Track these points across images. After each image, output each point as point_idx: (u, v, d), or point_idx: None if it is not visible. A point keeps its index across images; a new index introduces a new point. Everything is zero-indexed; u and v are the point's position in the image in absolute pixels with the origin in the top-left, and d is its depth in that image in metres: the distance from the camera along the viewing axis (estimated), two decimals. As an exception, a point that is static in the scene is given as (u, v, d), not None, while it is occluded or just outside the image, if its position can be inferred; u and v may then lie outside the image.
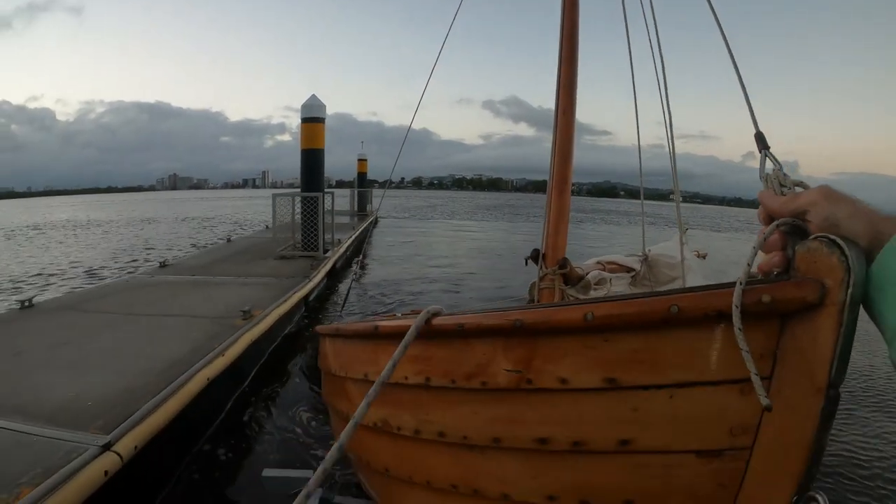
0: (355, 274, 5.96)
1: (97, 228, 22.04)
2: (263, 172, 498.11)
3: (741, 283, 0.84)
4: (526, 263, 2.88)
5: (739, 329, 0.83)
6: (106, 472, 2.18)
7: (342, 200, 18.32)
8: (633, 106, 3.97)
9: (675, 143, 3.01)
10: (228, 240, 11.28)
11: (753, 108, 1.40)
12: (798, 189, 0.89)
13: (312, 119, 8.96)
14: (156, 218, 28.36)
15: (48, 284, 9.38)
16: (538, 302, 2.75)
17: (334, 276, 8.97)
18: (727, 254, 14.27)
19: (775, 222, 0.85)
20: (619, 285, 3.89)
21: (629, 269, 4.21)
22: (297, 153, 9.10)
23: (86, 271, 10.79)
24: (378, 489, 1.80)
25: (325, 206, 8.63)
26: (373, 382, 1.41)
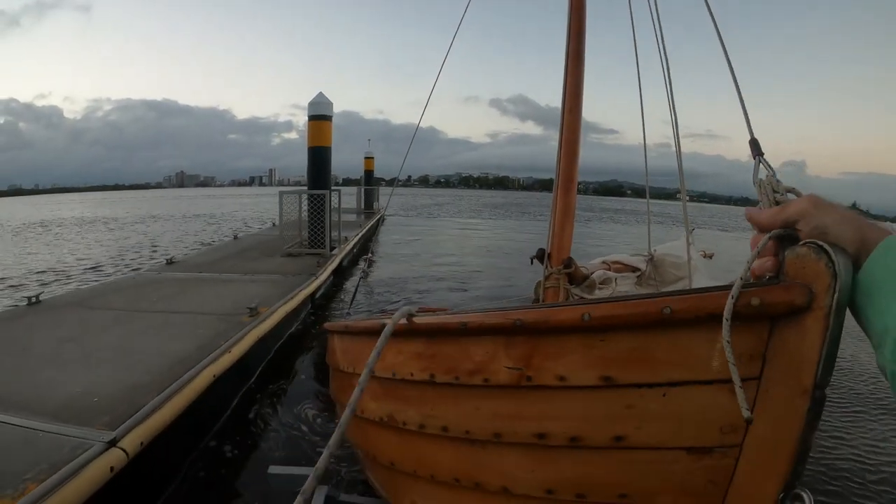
0: (363, 272, 5.99)
1: (104, 226, 22.12)
2: (270, 170, 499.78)
3: (732, 297, 0.86)
4: (531, 263, 2.89)
5: (727, 342, 0.85)
6: (111, 469, 2.18)
7: (349, 198, 18.34)
8: (640, 104, 3.95)
9: (682, 141, 2.99)
10: (235, 237, 11.31)
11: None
12: (790, 195, 0.92)
13: (319, 117, 8.96)
14: (163, 215, 28.43)
15: (55, 281, 9.41)
16: (543, 301, 2.77)
17: (341, 273, 8.98)
18: (734, 254, 14.21)
19: (767, 235, 0.87)
20: (625, 285, 3.87)
21: (634, 269, 4.19)
22: (304, 151, 9.11)
23: (93, 268, 10.83)
24: (384, 482, 1.83)
25: (332, 203, 8.64)
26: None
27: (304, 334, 5.81)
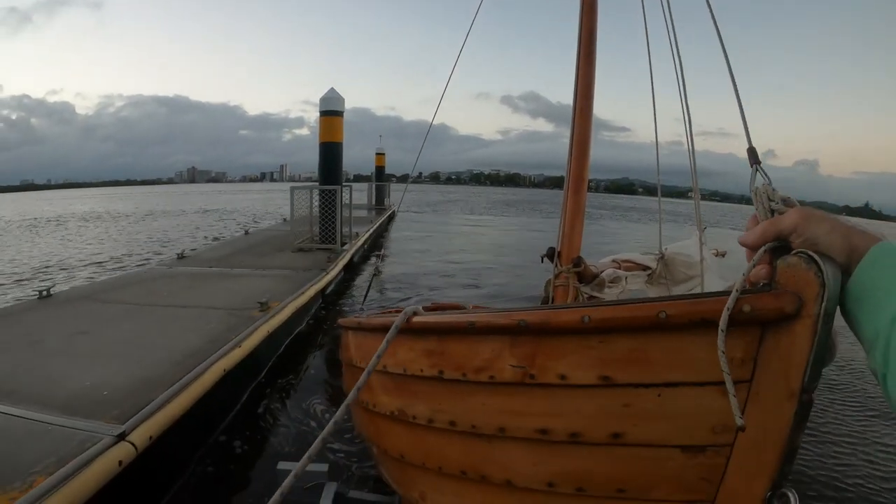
0: (376, 269, 6.02)
1: (115, 220, 22.28)
2: (281, 166, 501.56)
3: (728, 308, 0.89)
4: (542, 261, 2.91)
5: (722, 352, 0.88)
6: (120, 462, 2.17)
7: (360, 194, 18.34)
8: (652, 102, 3.91)
9: (694, 140, 2.96)
10: (246, 232, 11.35)
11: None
12: (785, 205, 0.95)
13: (331, 112, 8.95)
14: (174, 210, 28.60)
15: (66, 275, 9.48)
16: (553, 298, 2.81)
17: (352, 269, 8.97)
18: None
19: (762, 248, 0.90)
20: (635, 283, 3.85)
21: (645, 268, 4.14)
22: (316, 147, 9.11)
23: (104, 262, 10.90)
24: (394, 474, 1.88)
25: (343, 199, 8.63)
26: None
27: (315, 330, 5.79)
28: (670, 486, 1.06)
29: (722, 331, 0.88)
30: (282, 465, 2.64)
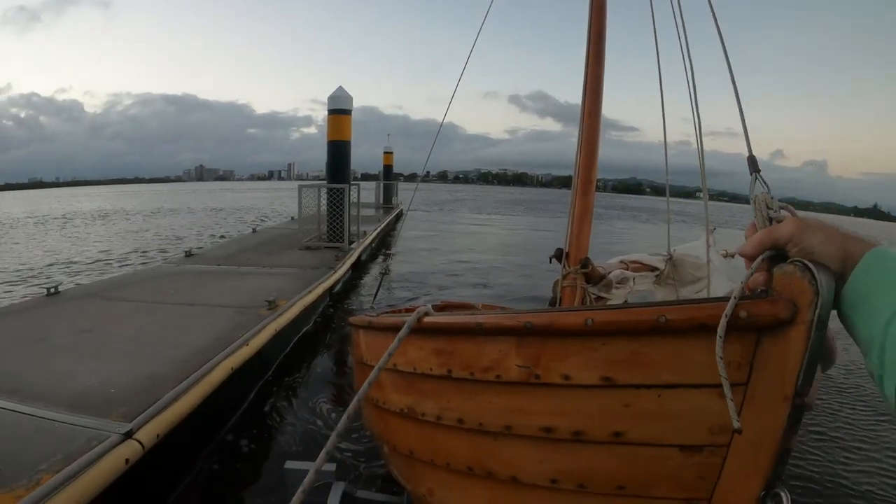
0: (385, 268, 6.06)
1: (123, 218, 22.39)
2: (289, 164, 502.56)
3: (726, 315, 0.93)
4: (550, 262, 2.91)
5: (720, 358, 0.91)
6: (127, 461, 2.15)
7: (367, 193, 18.33)
8: (660, 102, 3.89)
9: (702, 139, 2.94)
10: (254, 230, 11.36)
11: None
12: (784, 213, 0.97)
13: (339, 111, 8.96)
14: (181, 208, 28.70)
15: (74, 272, 9.52)
16: (560, 299, 2.82)
17: (359, 267, 8.97)
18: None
19: (760, 257, 0.94)
20: (643, 284, 3.84)
21: (653, 269, 4.11)
22: (323, 146, 9.12)
23: (112, 260, 10.95)
24: (403, 470, 1.91)
25: (351, 197, 8.62)
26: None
27: (323, 328, 5.79)
28: (669, 484, 1.10)
29: (720, 337, 0.92)
30: (289, 465, 2.63)
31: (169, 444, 2.51)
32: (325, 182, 8.97)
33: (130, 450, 2.20)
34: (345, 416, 1.35)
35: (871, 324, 0.77)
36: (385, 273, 6.02)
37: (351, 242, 8.49)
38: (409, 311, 1.61)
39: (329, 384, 4.29)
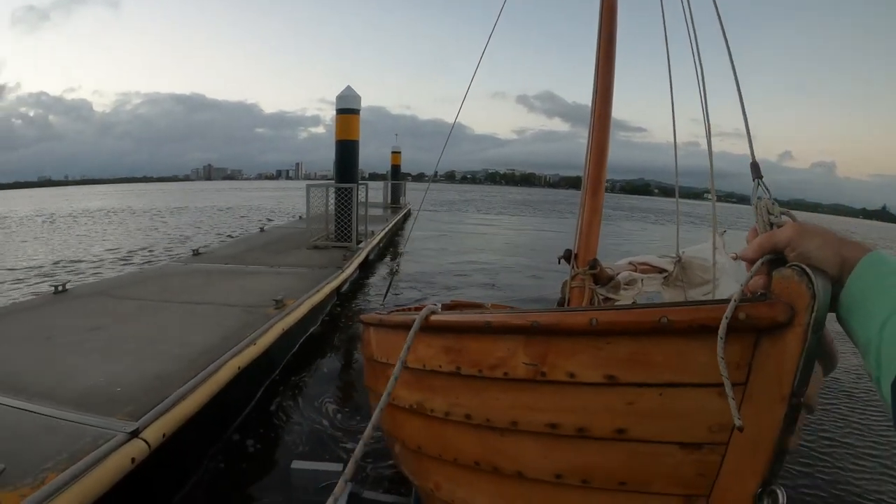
0: (395, 268, 6.08)
1: (131, 217, 22.48)
2: (297, 164, 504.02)
3: (727, 318, 0.95)
4: (559, 262, 2.91)
5: (721, 358, 0.93)
6: (133, 460, 2.14)
7: (375, 193, 18.34)
8: (670, 103, 3.87)
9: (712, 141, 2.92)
10: (262, 229, 11.37)
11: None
12: (784, 218, 1.00)
13: (347, 110, 8.96)
14: (190, 207, 28.79)
15: (82, 270, 9.56)
16: (568, 300, 2.82)
17: (367, 267, 8.96)
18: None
19: (759, 260, 0.96)
20: (651, 286, 3.82)
21: (661, 270, 4.09)
22: (331, 146, 9.13)
23: (119, 258, 10.99)
24: (411, 466, 1.94)
25: (359, 197, 8.62)
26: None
27: (330, 328, 5.78)
28: (669, 481, 1.13)
29: (721, 338, 0.94)
30: (295, 465, 2.62)
31: (175, 444, 2.50)
32: (333, 181, 8.98)
33: (136, 449, 2.19)
34: (369, 427, 1.39)
35: (867, 327, 0.79)
36: (395, 272, 6.03)
37: (359, 242, 8.50)
38: (418, 309, 1.62)
39: (335, 384, 4.28)
